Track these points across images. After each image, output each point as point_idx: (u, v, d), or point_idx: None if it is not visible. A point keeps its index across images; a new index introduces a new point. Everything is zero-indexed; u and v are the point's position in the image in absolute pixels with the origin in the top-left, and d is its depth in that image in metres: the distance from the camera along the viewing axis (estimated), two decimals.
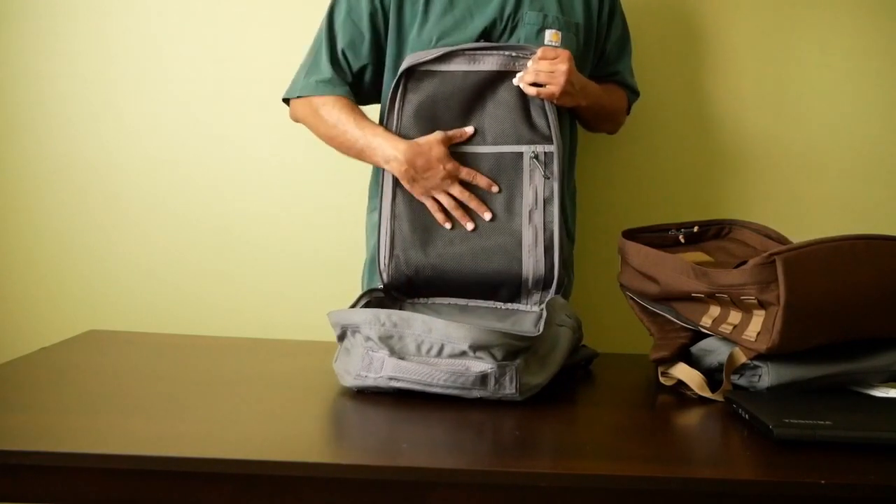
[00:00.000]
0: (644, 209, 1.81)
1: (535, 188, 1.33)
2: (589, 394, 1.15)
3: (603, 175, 1.81)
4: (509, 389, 1.02)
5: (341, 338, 1.11)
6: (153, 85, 1.78)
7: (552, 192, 1.32)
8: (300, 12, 1.75)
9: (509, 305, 1.34)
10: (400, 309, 1.30)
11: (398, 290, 1.34)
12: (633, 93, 1.61)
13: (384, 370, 1.03)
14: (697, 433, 1.03)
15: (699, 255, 1.28)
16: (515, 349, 1.02)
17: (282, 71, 1.74)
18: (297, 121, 1.49)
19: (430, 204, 1.34)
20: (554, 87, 1.30)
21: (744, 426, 0.98)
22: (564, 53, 1.31)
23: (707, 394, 1.10)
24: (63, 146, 1.79)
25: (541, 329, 1.10)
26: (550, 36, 1.39)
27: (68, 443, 0.84)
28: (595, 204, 1.78)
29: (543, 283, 1.32)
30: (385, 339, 1.03)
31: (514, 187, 1.33)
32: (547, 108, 1.33)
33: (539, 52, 1.31)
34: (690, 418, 1.06)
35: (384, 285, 1.34)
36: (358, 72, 1.44)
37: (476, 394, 1.02)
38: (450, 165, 1.32)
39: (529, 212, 1.33)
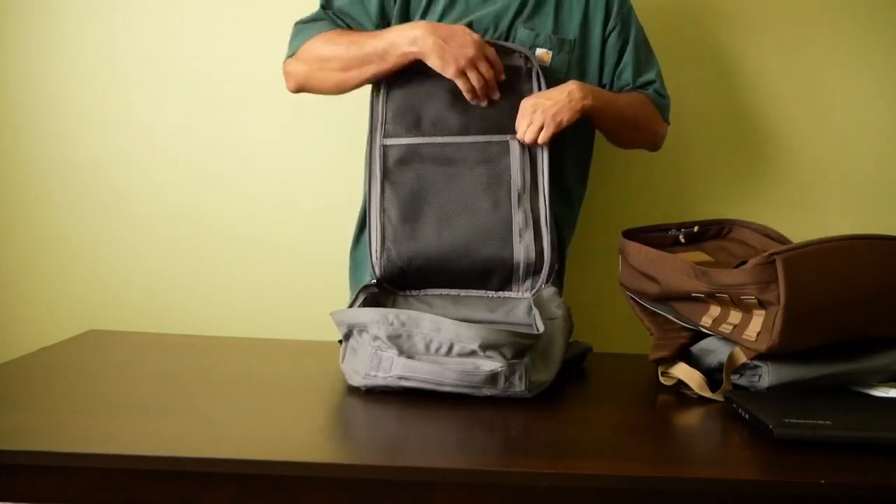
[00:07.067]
0: (644, 209, 1.81)
1: (524, 174, 1.35)
2: (589, 394, 1.15)
3: (603, 175, 1.81)
4: (519, 387, 1.02)
5: (347, 337, 1.10)
6: (155, 84, 1.78)
7: (539, 177, 1.34)
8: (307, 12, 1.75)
9: (500, 294, 1.35)
10: (393, 303, 1.31)
11: (390, 282, 1.34)
12: (660, 96, 1.53)
13: (393, 369, 1.02)
14: (697, 433, 1.03)
15: (699, 255, 1.28)
16: (523, 347, 1.03)
17: None
18: (299, 87, 1.44)
19: (462, 83, 1.33)
20: (550, 124, 1.31)
21: (744, 426, 0.98)
22: (534, 104, 1.33)
23: (707, 394, 1.10)
24: (62, 147, 1.79)
25: (541, 328, 1.11)
26: (540, 55, 1.41)
27: (68, 443, 0.83)
28: (595, 204, 1.78)
29: (534, 269, 1.33)
30: (393, 339, 1.03)
31: (502, 174, 1.35)
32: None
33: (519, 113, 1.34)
34: (690, 418, 1.06)
35: (377, 279, 1.33)
36: None
37: (486, 392, 1.02)
38: (476, 36, 1.33)
39: (518, 196, 1.34)
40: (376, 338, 1.04)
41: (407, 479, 0.80)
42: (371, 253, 1.34)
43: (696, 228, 1.37)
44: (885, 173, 1.85)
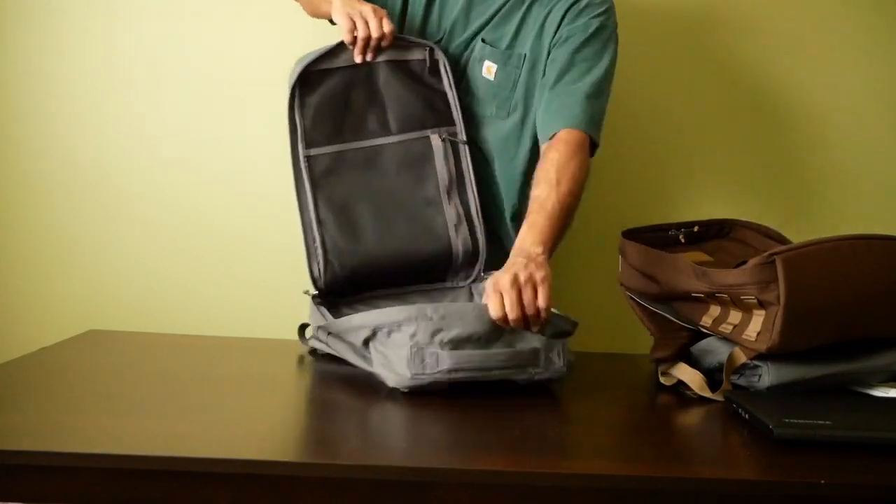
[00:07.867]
0: (644, 209, 1.81)
1: (449, 168, 1.37)
2: (589, 394, 1.15)
3: (603, 175, 1.81)
4: (558, 363, 1.06)
5: (367, 342, 1.08)
6: (155, 84, 1.78)
7: (464, 169, 1.37)
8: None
9: (437, 285, 1.37)
10: (337, 312, 1.28)
11: (335, 293, 1.34)
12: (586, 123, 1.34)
13: (441, 364, 1.02)
14: (697, 433, 1.03)
15: (699, 255, 1.28)
16: (561, 331, 1.07)
17: (287, 71, 1.74)
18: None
19: (345, 22, 1.32)
20: (544, 289, 1.08)
21: (744, 426, 0.98)
22: (502, 292, 1.06)
23: (707, 394, 1.10)
24: (62, 147, 1.79)
25: (570, 320, 1.14)
26: (485, 69, 1.41)
27: (69, 443, 0.84)
28: (595, 204, 1.78)
29: (470, 259, 1.36)
30: (434, 334, 1.03)
31: (428, 171, 1.37)
32: (447, 90, 1.38)
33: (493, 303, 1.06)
34: (690, 418, 1.06)
35: (319, 291, 1.33)
36: None
37: (531, 371, 1.05)
38: (379, 7, 1.34)
39: (447, 191, 1.36)
40: (414, 335, 1.03)
41: (407, 479, 0.80)
42: (312, 266, 1.33)
43: (696, 228, 1.37)
44: (885, 173, 1.85)
